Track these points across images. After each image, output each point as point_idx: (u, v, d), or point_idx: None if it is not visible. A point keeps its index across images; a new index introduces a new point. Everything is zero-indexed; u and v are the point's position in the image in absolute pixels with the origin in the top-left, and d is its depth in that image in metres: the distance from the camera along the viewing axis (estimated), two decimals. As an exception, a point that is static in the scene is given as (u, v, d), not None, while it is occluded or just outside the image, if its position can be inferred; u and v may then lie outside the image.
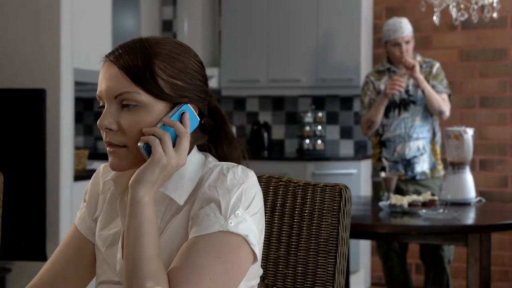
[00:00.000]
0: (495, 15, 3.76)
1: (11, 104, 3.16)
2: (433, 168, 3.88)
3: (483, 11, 3.81)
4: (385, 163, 3.70)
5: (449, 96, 3.92)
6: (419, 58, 3.95)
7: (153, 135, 1.15)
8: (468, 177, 3.40)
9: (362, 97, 4.00)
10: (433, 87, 3.84)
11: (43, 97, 3.14)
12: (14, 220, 3.02)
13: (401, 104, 3.90)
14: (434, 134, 3.93)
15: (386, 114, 3.90)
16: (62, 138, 3.27)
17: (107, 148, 1.19)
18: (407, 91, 3.88)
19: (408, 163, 3.88)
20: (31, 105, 3.14)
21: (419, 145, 3.87)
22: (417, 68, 3.75)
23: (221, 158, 1.27)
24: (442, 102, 3.84)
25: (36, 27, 3.29)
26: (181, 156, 1.16)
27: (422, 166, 3.86)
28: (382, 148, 3.94)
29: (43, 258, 3.09)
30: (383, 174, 3.47)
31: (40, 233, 3.12)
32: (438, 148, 3.93)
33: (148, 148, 1.15)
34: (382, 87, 3.95)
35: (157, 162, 1.14)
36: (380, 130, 3.92)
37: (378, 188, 3.89)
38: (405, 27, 3.89)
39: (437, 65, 3.96)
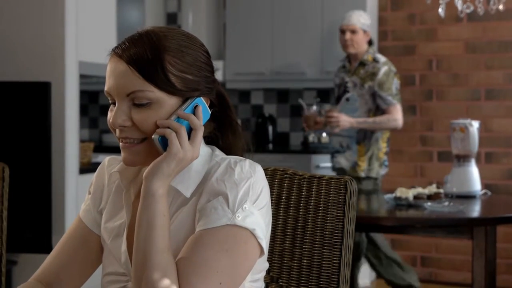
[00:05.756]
0: (501, 7, 3.74)
1: (16, 97, 3.17)
2: (352, 167, 3.88)
3: (489, 3, 3.79)
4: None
5: (399, 101, 3.82)
6: (366, 56, 3.88)
7: (169, 127, 1.14)
8: (473, 170, 3.39)
9: None
10: (380, 98, 3.79)
11: (48, 90, 3.14)
12: (20, 213, 3.02)
13: (338, 99, 3.95)
14: (364, 136, 3.88)
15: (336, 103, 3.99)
16: (67, 131, 3.27)
17: (120, 144, 1.18)
18: (345, 87, 3.88)
19: (332, 155, 4.01)
20: (36, 98, 3.15)
21: (342, 142, 3.91)
22: (342, 124, 3.71)
23: (226, 147, 1.27)
24: (389, 122, 3.78)
25: (41, 20, 3.29)
26: (195, 150, 1.16)
27: (341, 162, 3.92)
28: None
29: (48, 250, 3.10)
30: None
31: (46, 226, 3.13)
32: (364, 149, 3.88)
33: (163, 141, 1.15)
34: (336, 80, 4.03)
35: (174, 156, 1.13)
36: None
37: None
38: (354, 17, 3.90)
39: (383, 70, 3.83)
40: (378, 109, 3.85)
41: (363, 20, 3.92)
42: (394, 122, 3.81)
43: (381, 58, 3.90)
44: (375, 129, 3.82)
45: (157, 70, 1.14)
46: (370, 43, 3.96)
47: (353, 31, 3.87)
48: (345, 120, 3.73)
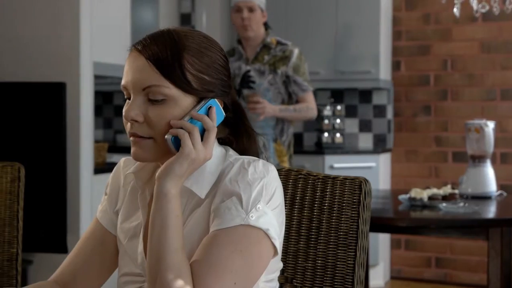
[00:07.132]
0: (516, 6, 3.71)
1: (32, 98, 3.19)
2: None
3: (505, 2, 3.76)
4: None
5: (313, 88, 3.45)
6: (269, 39, 3.44)
7: (182, 128, 1.15)
8: (489, 170, 3.37)
9: None
10: (296, 83, 3.38)
11: (63, 90, 3.16)
12: (35, 213, 3.04)
13: (240, 92, 3.38)
14: (282, 132, 3.46)
15: None
16: (82, 131, 3.29)
17: (131, 138, 1.19)
18: (249, 77, 3.40)
19: None
20: (51, 98, 3.16)
21: (258, 142, 3.54)
22: (267, 111, 3.24)
23: (241, 151, 1.27)
24: (308, 110, 3.40)
25: (55, 21, 3.31)
26: (208, 150, 1.17)
27: None
28: None
29: (63, 250, 3.11)
30: None
31: (61, 226, 3.15)
32: (284, 149, 3.47)
33: (176, 141, 1.15)
34: None
35: (186, 156, 1.14)
36: None
37: None
38: None
39: (295, 52, 3.39)
40: (290, 99, 3.44)
41: None
42: (312, 111, 3.44)
43: (287, 41, 3.46)
44: (293, 119, 3.41)
45: (174, 67, 1.15)
46: (266, 26, 3.47)
47: (251, 9, 3.34)
48: (270, 107, 3.26)
